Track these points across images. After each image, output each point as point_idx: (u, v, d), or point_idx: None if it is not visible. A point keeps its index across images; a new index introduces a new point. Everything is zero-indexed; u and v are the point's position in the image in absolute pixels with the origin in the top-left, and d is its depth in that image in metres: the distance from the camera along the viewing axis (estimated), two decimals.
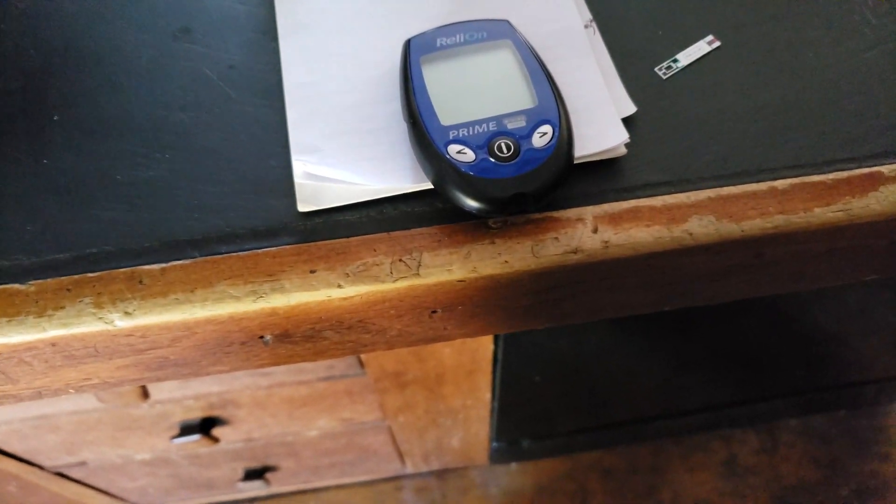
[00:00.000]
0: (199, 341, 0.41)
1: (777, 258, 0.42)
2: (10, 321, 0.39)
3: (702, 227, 0.40)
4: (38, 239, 0.41)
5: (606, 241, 0.39)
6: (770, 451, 1.24)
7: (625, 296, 0.44)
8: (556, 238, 0.40)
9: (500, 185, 0.37)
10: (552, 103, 0.40)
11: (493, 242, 0.40)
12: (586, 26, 0.46)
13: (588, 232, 0.40)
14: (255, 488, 1.05)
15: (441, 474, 1.20)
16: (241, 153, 0.43)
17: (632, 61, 0.46)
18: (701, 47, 0.46)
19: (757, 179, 0.41)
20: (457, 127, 0.39)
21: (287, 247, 0.40)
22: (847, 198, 0.40)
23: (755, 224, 0.40)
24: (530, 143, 0.38)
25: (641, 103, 0.44)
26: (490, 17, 0.45)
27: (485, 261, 0.39)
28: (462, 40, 0.43)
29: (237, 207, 0.41)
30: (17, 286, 0.40)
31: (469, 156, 0.38)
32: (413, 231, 0.40)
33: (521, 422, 1.01)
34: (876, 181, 0.41)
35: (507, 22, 0.44)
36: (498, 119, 0.39)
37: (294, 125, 0.43)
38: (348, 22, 0.47)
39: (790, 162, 0.41)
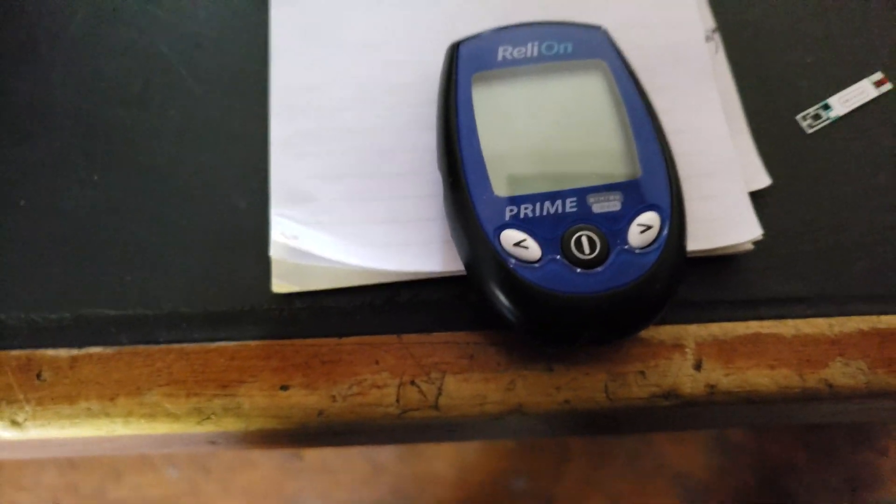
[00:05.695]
0: (126, 443, 0.30)
1: None
2: None
3: (846, 378, 0.28)
4: None
5: (712, 386, 0.27)
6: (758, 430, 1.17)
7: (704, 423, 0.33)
8: (642, 373, 0.27)
9: (575, 304, 0.25)
10: (661, 174, 0.27)
11: (551, 370, 0.27)
12: (707, 38, 0.32)
13: (688, 368, 0.28)
14: None
15: None
16: (200, 182, 0.30)
17: (764, 100, 0.32)
18: (864, 89, 0.32)
19: None
20: (518, 201, 0.26)
21: (252, 343, 0.28)
22: None
23: None
24: (625, 240, 0.25)
25: (775, 170, 0.31)
26: (576, 16, 0.31)
27: (535, 397, 0.27)
28: (535, 54, 0.29)
29: (186, 271, 0.29)
30: None
31: (532, 252, 0.25)
32: (434, 337, 0.28)
33: None
34: None
35: (603, 30, 0.30)
36: (580, 195, 0.26)
37: (278, 153, 0.30)
38: None
39: None
